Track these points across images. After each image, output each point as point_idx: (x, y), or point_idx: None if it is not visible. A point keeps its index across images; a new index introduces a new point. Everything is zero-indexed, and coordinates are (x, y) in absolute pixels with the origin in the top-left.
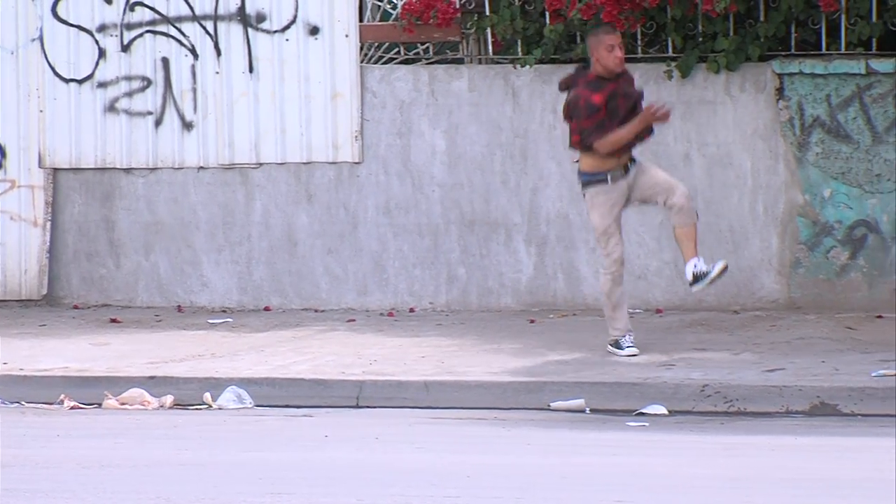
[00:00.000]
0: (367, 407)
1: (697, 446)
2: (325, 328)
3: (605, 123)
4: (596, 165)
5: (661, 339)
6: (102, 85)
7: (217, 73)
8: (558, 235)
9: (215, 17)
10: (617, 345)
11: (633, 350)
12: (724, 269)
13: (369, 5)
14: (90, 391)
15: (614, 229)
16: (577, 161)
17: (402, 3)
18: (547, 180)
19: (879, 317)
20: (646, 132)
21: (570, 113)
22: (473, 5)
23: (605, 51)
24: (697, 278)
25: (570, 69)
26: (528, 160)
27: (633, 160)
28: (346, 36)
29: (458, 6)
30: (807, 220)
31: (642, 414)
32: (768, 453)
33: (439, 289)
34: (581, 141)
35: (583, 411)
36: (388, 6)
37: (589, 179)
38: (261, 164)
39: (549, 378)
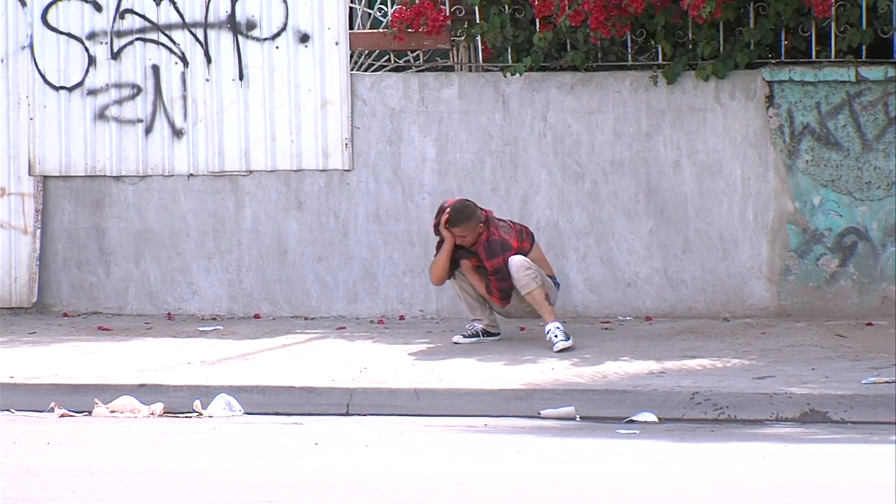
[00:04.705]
0: (357, 414)
1: (687, 454)
2: (316, 336)
3: None
4: None
5: (651, 347)
6: (92, 92)
7: (207, 80)
8: (548, 243)
9: (205, 25)
10: None
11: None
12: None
13: (359, 13)
14: (80, 399)
15: None
16: None
17: (393, 10)
18: (537, 188)
19: (869, 324)
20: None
21: None
22: (463, 13)
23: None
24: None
25: (560, 77)
26: (518, 168)
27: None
28: (337, 43)
29: (448, 14)
30: (797, 227)
31: (632, 421)
32: (758, 461)
33: (429, 296)
34: None
35: (573, 419)
36: (379, 14)
37: None
38: (251, 172)
39: (539, 385)
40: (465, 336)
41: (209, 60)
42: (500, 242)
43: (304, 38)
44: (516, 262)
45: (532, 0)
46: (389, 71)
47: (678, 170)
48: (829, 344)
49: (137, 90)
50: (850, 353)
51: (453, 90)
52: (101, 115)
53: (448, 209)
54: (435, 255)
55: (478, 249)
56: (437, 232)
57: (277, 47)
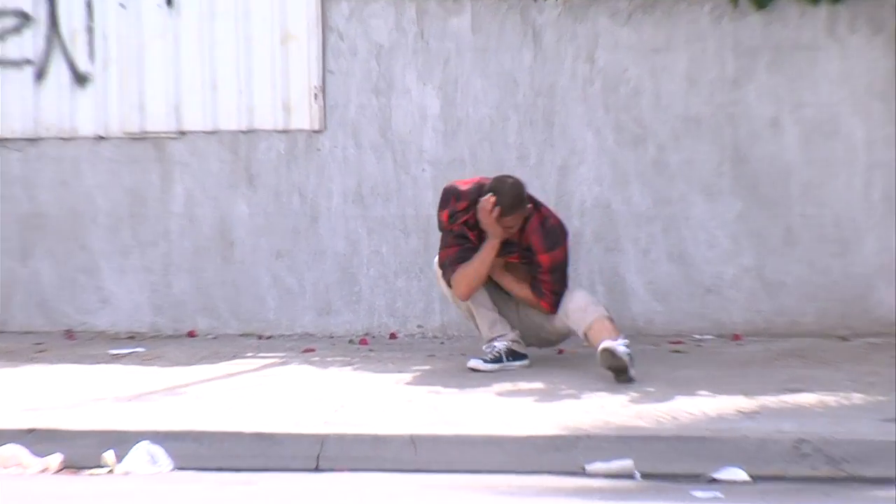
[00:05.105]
0: (331, 470)
1: None
2: (274, 361)
3: None
4: None
5: (739, 377)
6: None
7: (122, 6)
8: (596, 231)
9: None
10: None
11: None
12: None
13: None
14: None
15: None
16: None
17: None
18: (581, 155)
19: None
20: None
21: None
22: None
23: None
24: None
25: (612, 2)
26: (554, 127)
27: None
28: None
29: None
30: None
31: (714, 480)
32: None
33: (431, 306)
34: None
35: (631, 476)
36: None
37: None
38: (183, 134)
39: (583, 430)
40: (485, 361)
41: None
42: (560, 227)
43: None
44: (579, 294)
45: None
46: None
47: (777, 130)
48: None
49: (24, 19)
50: None
51: (464, 20)
52: None
53: (492, 193)
54: (448, 256)
55: (529, 239)
56: (443, 227)
57: None
